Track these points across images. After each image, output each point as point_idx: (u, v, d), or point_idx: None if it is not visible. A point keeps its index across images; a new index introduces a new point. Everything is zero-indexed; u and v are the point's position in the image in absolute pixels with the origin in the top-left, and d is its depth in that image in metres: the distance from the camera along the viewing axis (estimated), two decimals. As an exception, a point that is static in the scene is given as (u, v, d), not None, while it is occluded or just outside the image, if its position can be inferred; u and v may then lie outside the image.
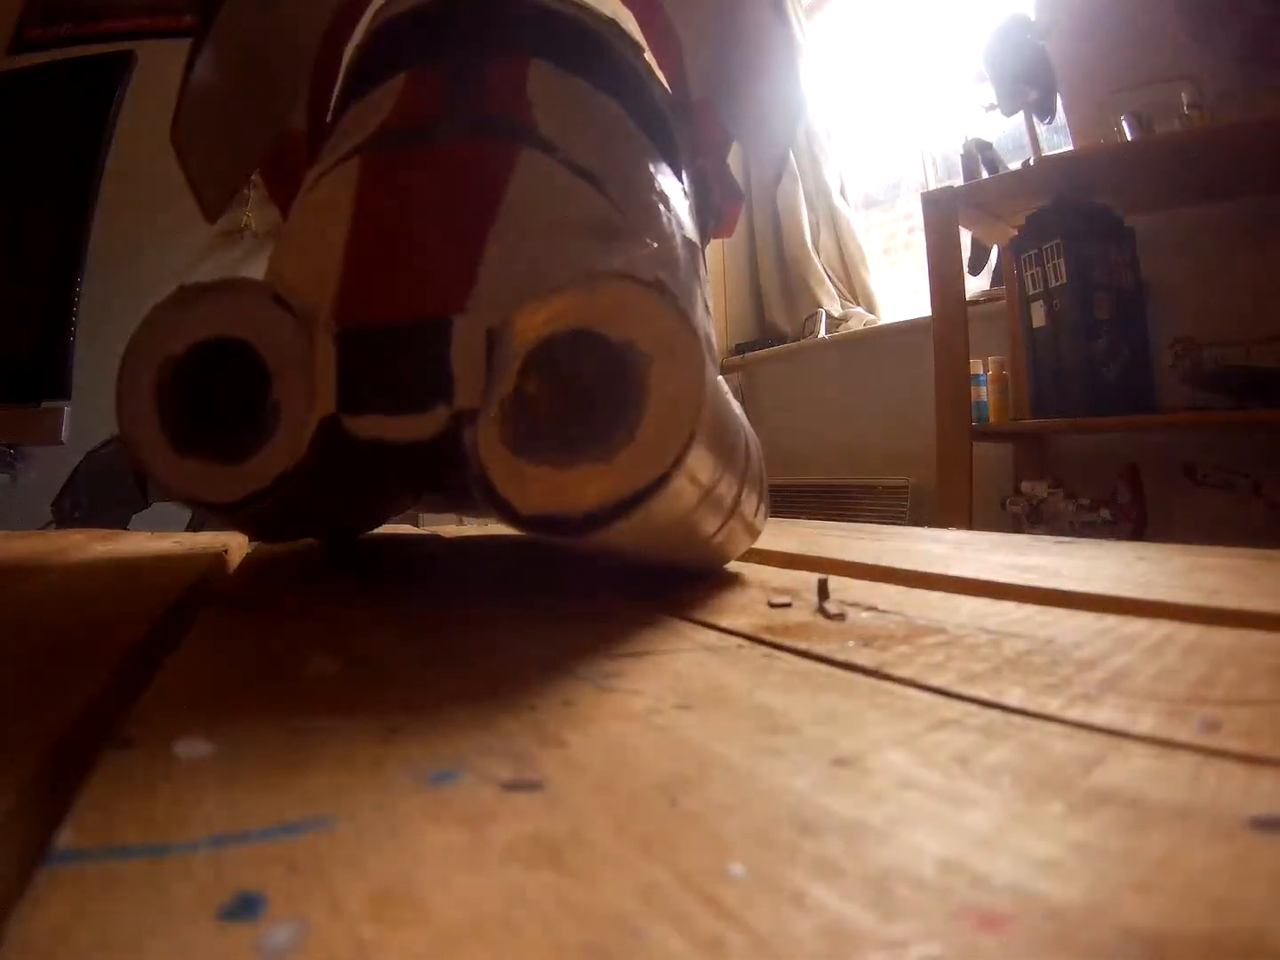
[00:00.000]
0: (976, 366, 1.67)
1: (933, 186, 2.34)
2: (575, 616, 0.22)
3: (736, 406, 0.25)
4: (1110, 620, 0.21)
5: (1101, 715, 0.13)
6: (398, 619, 0.23)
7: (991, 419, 1.67)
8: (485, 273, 0.21)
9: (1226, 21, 1.29)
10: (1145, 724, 0.12)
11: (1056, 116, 1.54)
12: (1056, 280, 1.46)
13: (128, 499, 1.40)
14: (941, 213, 1.51)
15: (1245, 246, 1.37)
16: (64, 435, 1.28)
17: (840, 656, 0.17)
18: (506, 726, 0.12)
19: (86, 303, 1.28)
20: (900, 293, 2.50)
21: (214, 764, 0.10)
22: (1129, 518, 1.51)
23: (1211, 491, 1.36)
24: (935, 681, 0.15)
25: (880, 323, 2.46)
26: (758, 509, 0.29)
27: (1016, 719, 0.13)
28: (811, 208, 2.43)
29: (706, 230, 0.39)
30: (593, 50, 0.32)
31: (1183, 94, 1.31)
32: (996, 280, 1.88)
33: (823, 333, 2.47)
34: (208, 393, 0.21)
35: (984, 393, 1.71)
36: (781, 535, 0.43)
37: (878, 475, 2.22)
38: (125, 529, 1.34)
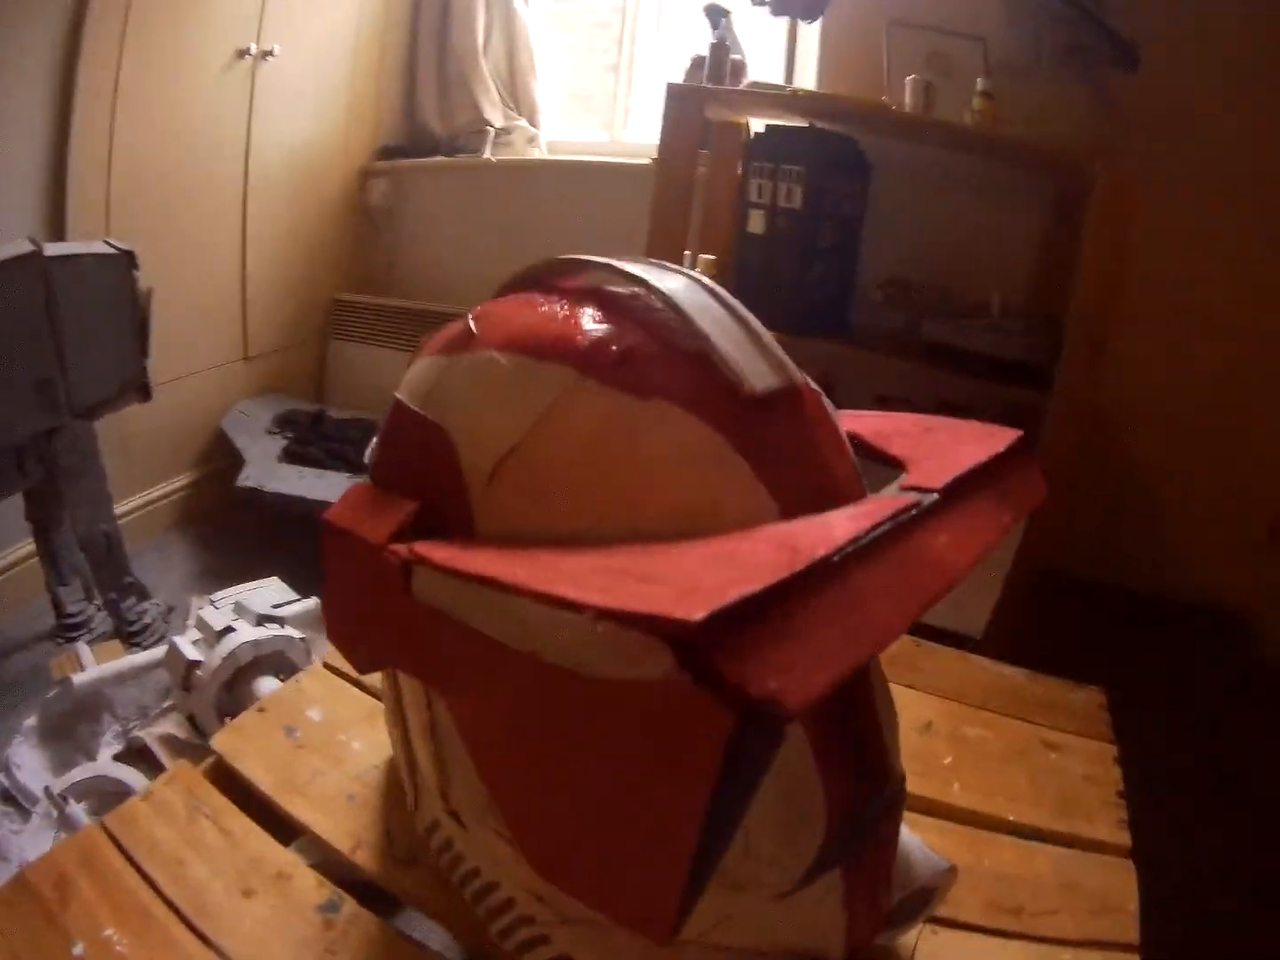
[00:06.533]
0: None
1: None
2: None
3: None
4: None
5: None
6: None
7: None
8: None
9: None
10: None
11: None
12: (788, 202, 1.65)
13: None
14: (685, 108, 1.59)
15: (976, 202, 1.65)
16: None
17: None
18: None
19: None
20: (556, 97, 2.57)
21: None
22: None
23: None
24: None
25: (541, 138, 2.47)
26: None
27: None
28: (488, 8, 2.29)
29: None
30: None
31: (978, 80, 1.54)
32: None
33: (488, 153, 2.41)
34: None
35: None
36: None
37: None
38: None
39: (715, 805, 0.28)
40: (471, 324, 0.47)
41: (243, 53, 1.93)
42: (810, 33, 1.87)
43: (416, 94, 2.56)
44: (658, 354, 0.42)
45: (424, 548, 0.40)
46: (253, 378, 2.18)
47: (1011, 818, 0.68)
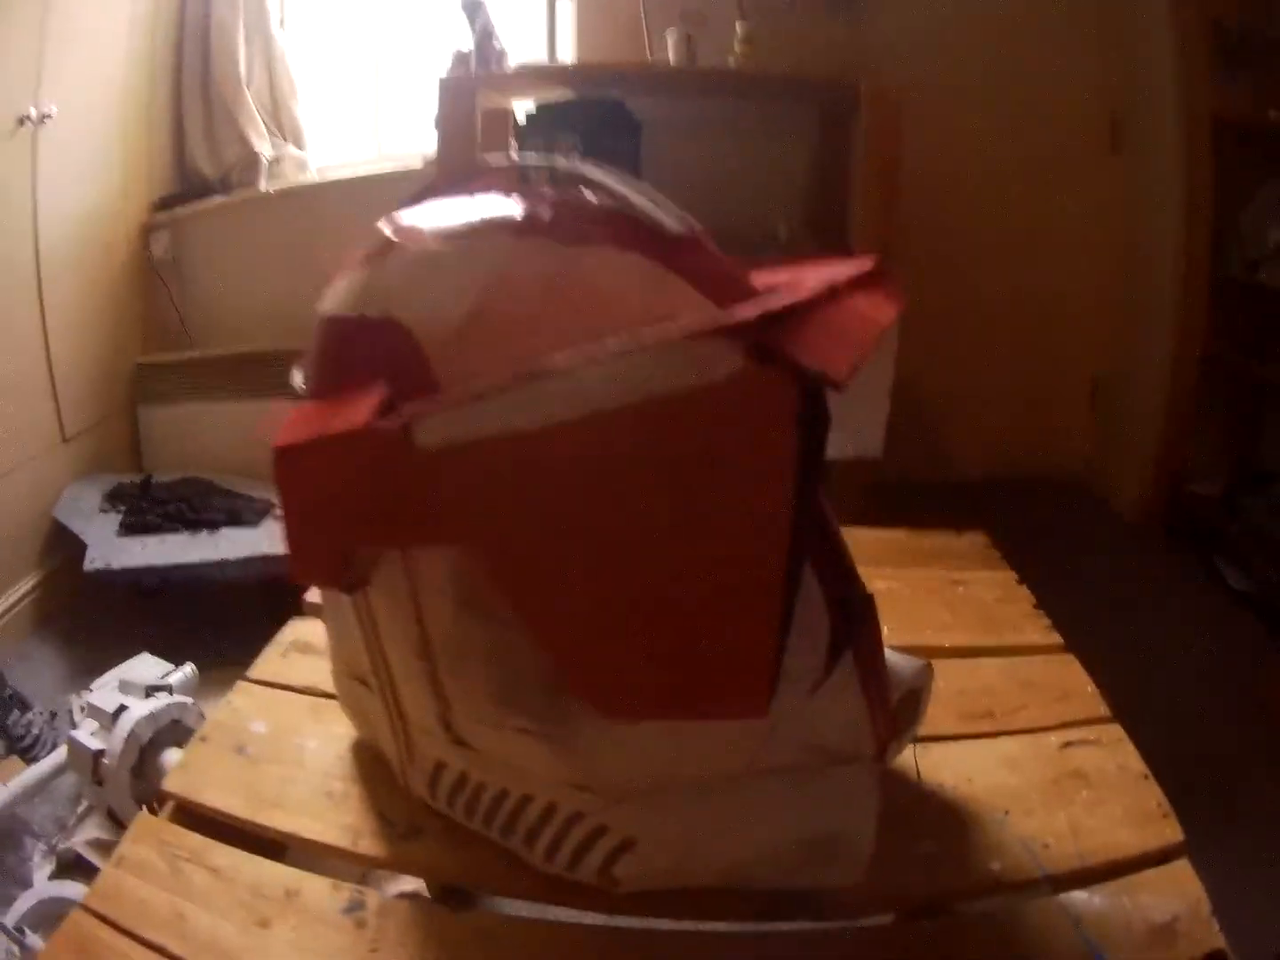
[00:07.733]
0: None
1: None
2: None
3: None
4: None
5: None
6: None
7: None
8: None
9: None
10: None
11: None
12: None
13: None
14: (458, 100, 1.56)
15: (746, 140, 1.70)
16: None
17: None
18: None
19: None
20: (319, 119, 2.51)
21: None
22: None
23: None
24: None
25: (308, 159, 2.39)
26: None
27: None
28: (249, 40, 2.19)
29: None
30: None
31: (737, 24, 1.52)
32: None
33: (264, 184, 2.30)
34: None
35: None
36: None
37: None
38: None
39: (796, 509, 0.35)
40: (389, 233, 0.47)
41: (23, 119, 1.75)
42: (565, 7, 1.88)
43: (186, 138, 2.41)
44: (584, 214, 0.46)
45: (415, 407, 0.40)
46: (75, 459, 2.01)
47: (947, 644, 0.72)
